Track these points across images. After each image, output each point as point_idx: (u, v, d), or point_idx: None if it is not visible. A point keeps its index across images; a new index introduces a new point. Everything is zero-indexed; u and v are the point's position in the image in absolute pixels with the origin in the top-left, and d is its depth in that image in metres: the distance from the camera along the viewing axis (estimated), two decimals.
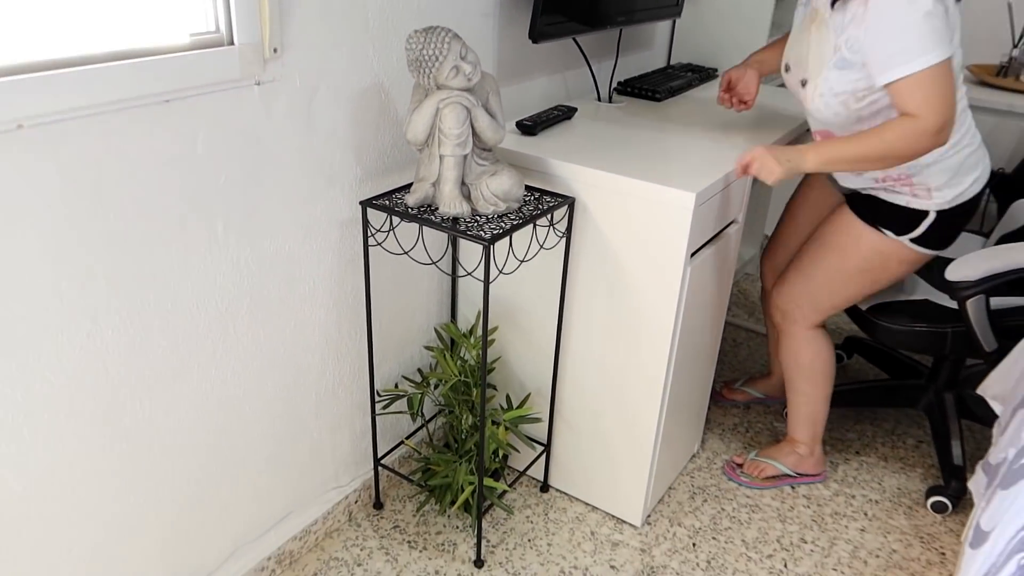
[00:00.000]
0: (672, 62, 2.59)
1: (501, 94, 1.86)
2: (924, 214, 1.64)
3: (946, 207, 1.63)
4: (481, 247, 1.39)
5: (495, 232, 1.40)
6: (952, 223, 1.66)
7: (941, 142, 1.44)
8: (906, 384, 2.19)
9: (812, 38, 1.56)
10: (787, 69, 1.67)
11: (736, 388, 2.30)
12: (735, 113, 2.02)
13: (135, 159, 1.14)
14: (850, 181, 1.75)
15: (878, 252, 1.69)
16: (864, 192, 1.72)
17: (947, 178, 1.61)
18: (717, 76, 2.49)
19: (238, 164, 1.30)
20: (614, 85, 2.21)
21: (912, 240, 1.66)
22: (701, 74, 2.38)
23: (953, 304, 1.76)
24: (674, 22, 2.55)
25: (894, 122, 1.45)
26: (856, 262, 1.72)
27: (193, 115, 1.20)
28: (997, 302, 1.78)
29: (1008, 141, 2.37)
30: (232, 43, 1.22)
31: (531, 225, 1.54)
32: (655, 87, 2.15)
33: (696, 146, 1.74)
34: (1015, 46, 2.47)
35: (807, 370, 1.86)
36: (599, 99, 2.10)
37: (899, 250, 1.68)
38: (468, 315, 1.90)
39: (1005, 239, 2.03)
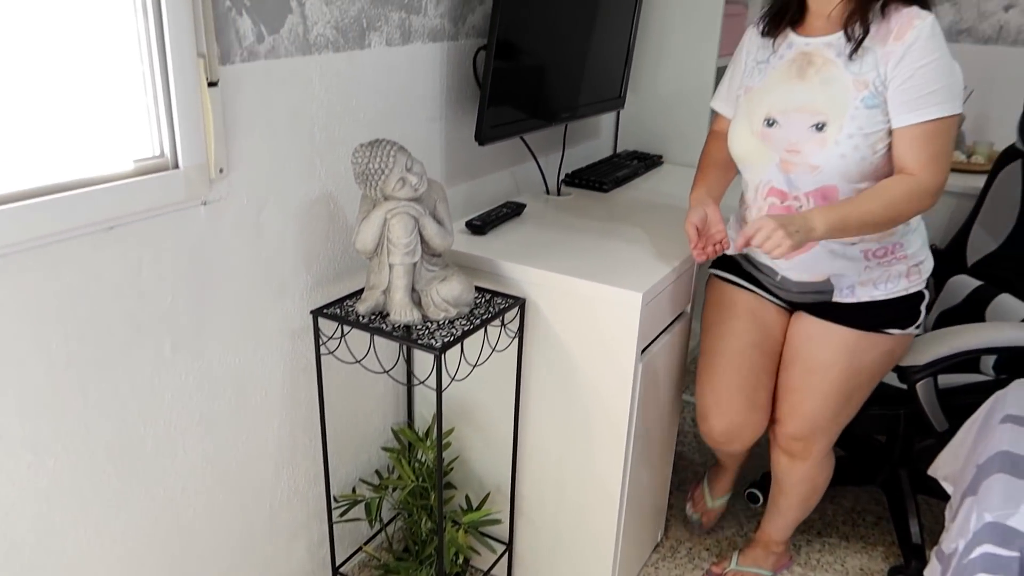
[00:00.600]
0: (619, 150, 2.67)
1: (449, 195, 1.90)
2: (920, 296, 1.60)
3: (927, 281, 1.60)
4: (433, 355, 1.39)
5: (446, 340, 1.40)
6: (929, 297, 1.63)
7: (931, 206, 1.43)
8: (862, 461, 2.21)
9: (817, 80, 1.46)
10: (771, 123, 1.52)
11: (710, 507, 2.10)
12: (679, 205, 2.07)
13: (77, 288, 1.13)
14: (807, 294, 1.62)
15: (888, 353, 1.62)
16: (844, 302, 1.58)
17: (923, 245, 1.59)
18: (662, 163, 2.56)
19: (185, 283, 1.29)
20: (562, 177, 2.26)
21: (915, 327, 1.62)
22: (647, 162, 2.46)
23: (902, 384, 1.80)
24: (618, 112, 2.64)
25: (896, 181, 1.42)
26: (869, 372, 1.64)
27: (138, 240, 1.20)
28: (945, 381, 1.82)
29: (939, 218, 2.47)
30: (177, 166, 1.23)
31: (483, 329, 1.55)
32: (602, 178, 2.21)
33: (643, 239, 1.78)
34: None
35: (819, 489, 1.79)
36: (548, 192, 2.15)
37: (904, 342, 1.63)
38: (425, 414, 1.88)
39: (946, 315, 2.10)
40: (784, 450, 1.74)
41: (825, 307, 1.61)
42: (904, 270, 1.57)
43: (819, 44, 1.48)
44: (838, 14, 1.46)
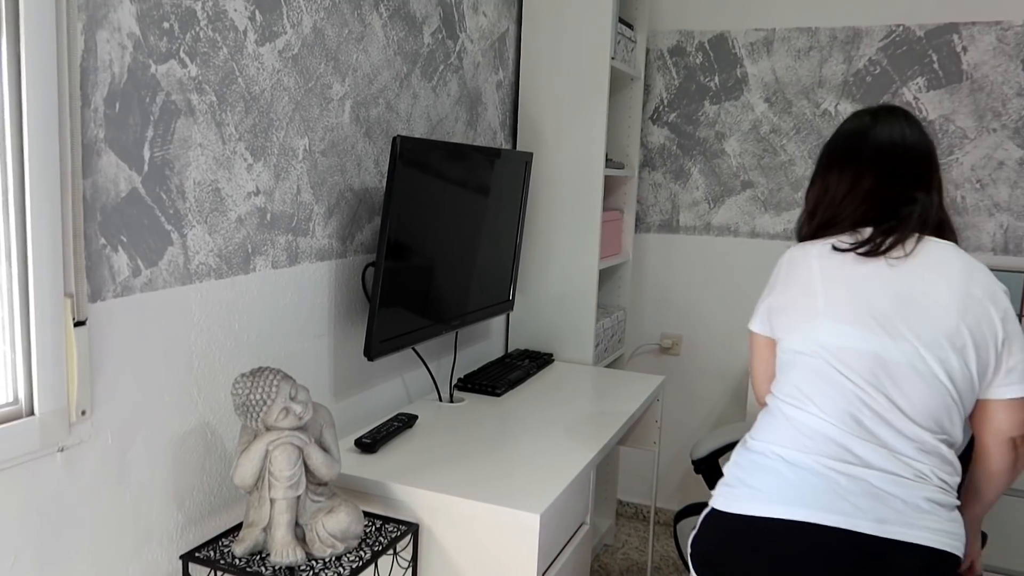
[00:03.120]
0: (510, 349, 2.70)
1: (337, 410, 1.83)
2: None
3: None
4: None
5: None
6: None
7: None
8: None
9: None
10: None
11: None
12: (572, 407, 2.08)
13: None
14: None
15: None
16: None
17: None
18: (553, 361, 2.60)
19: (32, 540, 1.15)
20: (454, 382, 2.24)
21: None
22: (538, 361, 2.48)
23: None
24: (508, 314, 2.69)
25: None
26: None
27: None
28: None
29: None
30: (32, 413, 1.13)
31: (373, 563, 1.44)
32: (494, 383, 2.20)
33: (538, 450, 1.75)
34: None
35: None
36: (440, 399, 2.12)
37: None
38: None
39: None
40: None
41: None
42: None
43: None
44: None
